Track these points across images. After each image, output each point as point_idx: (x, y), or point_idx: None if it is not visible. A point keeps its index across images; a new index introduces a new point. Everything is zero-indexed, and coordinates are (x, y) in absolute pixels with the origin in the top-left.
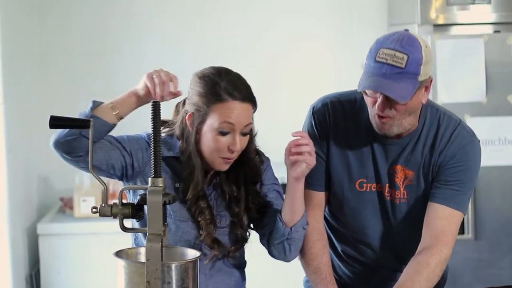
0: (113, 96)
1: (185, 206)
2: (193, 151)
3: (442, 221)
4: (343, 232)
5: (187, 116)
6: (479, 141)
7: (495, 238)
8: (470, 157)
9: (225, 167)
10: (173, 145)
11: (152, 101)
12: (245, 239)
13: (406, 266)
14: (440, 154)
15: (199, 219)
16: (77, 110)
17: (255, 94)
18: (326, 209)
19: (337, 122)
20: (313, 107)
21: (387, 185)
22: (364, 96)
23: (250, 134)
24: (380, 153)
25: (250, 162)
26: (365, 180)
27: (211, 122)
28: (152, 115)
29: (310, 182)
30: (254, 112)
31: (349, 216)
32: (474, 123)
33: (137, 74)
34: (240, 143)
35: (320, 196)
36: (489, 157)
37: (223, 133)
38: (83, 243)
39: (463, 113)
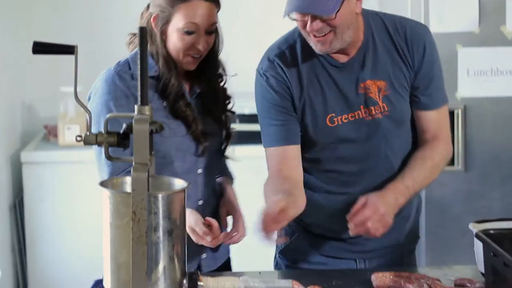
0: (97, 20)
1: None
2: (162, 53)
3: (436, 123)
4: (330, 175)
5: (151, 18)
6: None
7: (485, 170)
8: (433, 46)
9: (192, 66)
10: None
11: (139, 27)
12: (230, 134)
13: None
14: (404, 53)
15: (184, 115)
16: (61, 37)
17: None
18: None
19: (290, 72)
20: (261, 70)
21: (361, 106)
22: (297, 23)
23: (215, 32)
24: (342, 79)
25: (216, 61)
26: (334, 114)
27: (176, 23)
28: (139, 42)
29: (287, 139)
30: (217, 11)
31: (331, 158)
32: (466, 54)
33: None
34: (206, 41)
35: (295, 149)
36: (480, 88)
37: (188, 33)
38: (68, 172)
39: (454, 43)
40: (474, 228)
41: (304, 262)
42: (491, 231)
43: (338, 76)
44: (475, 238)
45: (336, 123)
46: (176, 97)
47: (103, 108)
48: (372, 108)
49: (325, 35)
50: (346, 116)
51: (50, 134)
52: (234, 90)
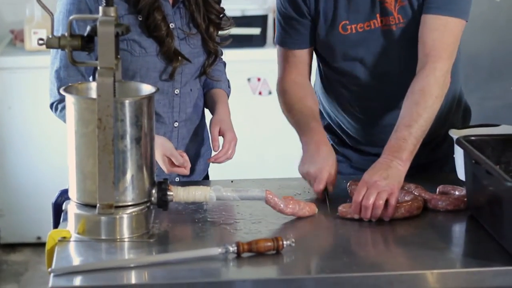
0: None
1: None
2: None
3: (433, 33)
4: (346, 87)
5: None
6: None
7: (463, 74)
8: None
9: None
10: None
11: None
12: (217, 52)
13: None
14: None
15: (155, 34)
16: None
17: None
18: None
19: None
20: None
21: (377, 15)
22: None
23: None
24: None
25: None
26: (347, 22)
27: None
28: None
29: (288, 42)
30: None
31: (344, 71)
32: None
33: None
34: None
35: (303, 53)
36: None
37: None
38: (35, 77)
39: None
40: (455, 134)
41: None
42: (472, 138)
43: None
44: (455, 145)
45: (349, 31)
46: (151, 10)
47: (64, 17)
48: (387, 18)
49: None
50: (362, 25)
51: (16, 39)
52: None
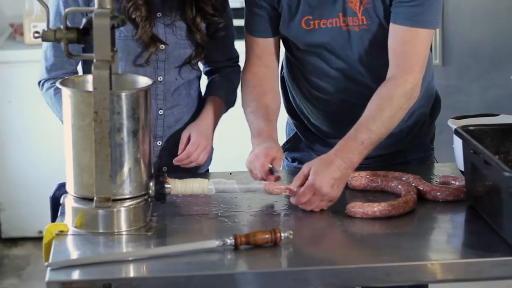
0: None
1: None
2: None
3: (405, 46)
4: (312, 81)
5: None
6: None
7: (463, 64)
8: None
9: None
10: None
11: None
12: (205, 43)
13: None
14: None
15: (133, 16)
16: None
17: None
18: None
19: None
20: None
21: (340, 14)
22: None
23: None
24: None
25: None
26: (311, 17)
27: None
28: None
29: (254, 29)
30: None
31: (306, 62)
32: None
33: None
34: None
35: (267, 43)
36: None
37: None
38: (35, 71)
39: None
40: (454, 124)
41: (300, 162)
42: (471, 128)
43: None
44: (454, 135)
45: (312, 26)
46: None
47: (55, 10)
48: (350, 18)
49: None
50: (325, 22)
51: (16, 33)
52: None
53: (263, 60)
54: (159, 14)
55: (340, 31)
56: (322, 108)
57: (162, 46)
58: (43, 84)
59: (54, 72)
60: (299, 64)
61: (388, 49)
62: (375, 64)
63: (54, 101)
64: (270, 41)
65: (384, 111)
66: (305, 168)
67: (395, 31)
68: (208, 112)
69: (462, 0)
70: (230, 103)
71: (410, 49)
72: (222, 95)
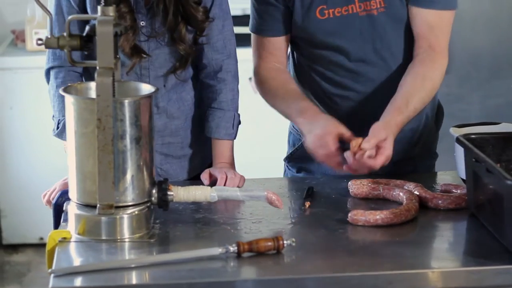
0: None
1: None
2: None
3: (434, 29)
4: (326, 76)
5: None
6: None
7: (464, 72)
8: None
9: None
10: None
11: None
12: (188, 54)
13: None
14: None
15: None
16: None
17: None
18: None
19: None
20: None
21: (356, 0)
22: None
23: None
24: None
25: None
26: (325, 6)
27: None
28: None
29: (264, 29)
30: None
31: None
32: None
33: None
34: None
35: (279, 40)
36: None
37: None
38: (36, 78)
39: None
40: (455, 132)
41: (307, 172)
42: (473, 136)
43: None
44: (455, 143)
45: (327, 16)
46: (117, 1)
47: (55, 17)
48: (368, 3)
49: None
50: (340, 10)
51: (17, 39)
52: None
53: (277, 57)
54: (142, 23)
55: (358, 17)
56: (336, 107)
57: (145, 56)
58: (48, 73)
59: (59, 54)
60: (312, 62)
61: (411, 31)
62: (394, 48)
63: (53, 97)
64: (282, 39)
65: (425, 90)
66: (382, 133)
67: (420, 14)
68: (219, 159)
69: (463, 9)
70: (233, 135)
71: (440, 32)
72: (222, 134)
